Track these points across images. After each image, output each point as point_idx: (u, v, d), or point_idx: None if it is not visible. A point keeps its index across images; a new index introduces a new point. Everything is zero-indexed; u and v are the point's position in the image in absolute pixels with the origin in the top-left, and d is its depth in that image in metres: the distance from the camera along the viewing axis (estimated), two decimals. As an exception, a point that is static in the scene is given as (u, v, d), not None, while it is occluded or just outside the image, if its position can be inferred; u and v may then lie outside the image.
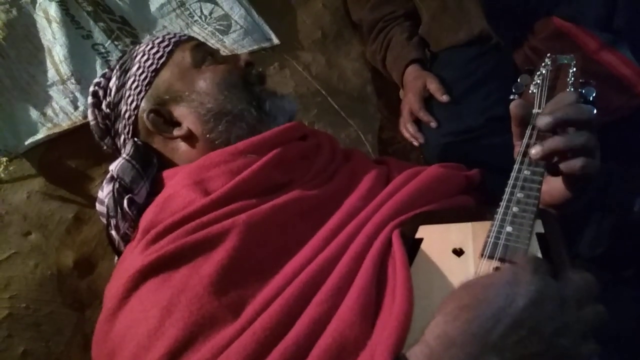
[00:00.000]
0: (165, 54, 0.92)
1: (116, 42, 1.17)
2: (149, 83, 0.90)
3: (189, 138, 0.90)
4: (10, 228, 0.94)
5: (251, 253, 0.69)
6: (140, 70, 0.91)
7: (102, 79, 0.95)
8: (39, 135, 1.00)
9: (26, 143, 0.99)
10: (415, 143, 1.33)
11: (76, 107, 1.05)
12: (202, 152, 0.87)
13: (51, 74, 1.07)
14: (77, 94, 1.06)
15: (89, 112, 0.94)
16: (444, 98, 1.27)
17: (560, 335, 0.49)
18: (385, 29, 1.45)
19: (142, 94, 0.90)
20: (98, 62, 1.13)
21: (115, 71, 0.94)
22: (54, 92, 1.05)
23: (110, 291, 0.74)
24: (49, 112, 1.03)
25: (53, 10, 1.11)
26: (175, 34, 0.97)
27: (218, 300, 0.64)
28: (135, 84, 0.90)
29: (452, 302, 0.52)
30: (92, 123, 0.94)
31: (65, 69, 1.07)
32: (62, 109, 1.04)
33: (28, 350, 0.89)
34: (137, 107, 0.90)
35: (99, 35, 1.16)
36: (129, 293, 0.68)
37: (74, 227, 0.99)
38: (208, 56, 0.94)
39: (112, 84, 0.92)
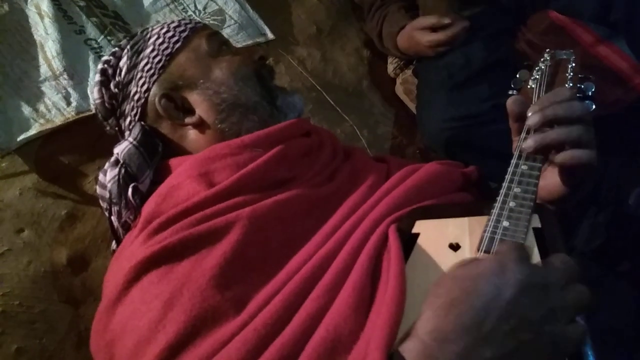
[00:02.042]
0: (182, 39, 0.91)
1: (109, 37, 1.16)
2: (163, 67, 0.89)
3: (200, 126, 0.89)
4: (2, 225, 0.93)
5: (254, 247, 0.69)
6: (155, 53, 0.89)
7: (111, 57, 0.92)
8: (32, 132, 0.99)
9: (18, 139, 0.98)
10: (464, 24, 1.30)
11: (69, 103, 1.04)
12: (211, 141, 0.87)
13: (43, 69, 1.06)
14: (70, 90, 1.06)
15: (95, 90, 0.91)
16: (446, 20, 1.29)
17: (548, 321, 0.49)
18: (382, 7, 1.48)
19: (155, 77, 0.89)
20: (91, 58, 1.12)
21: (126, 51, 0.91)
22: (46, 87, 1.05)
23: (110, 281, 0.74)
24: (42, 108, 1.02)
25: (45, 5, 1.10)
26: (191, 20, 0.96)
27: (221, 294, 0.63)
28: (149, 66, 0.89)
29: (441, 296, 0.52)
30: (97, 102, 0.92)
31: (57, 65, 1.06)
32: (55, 104, 1.03)
33: (22, 347, 0.89)
34: (148, 89, 0.89)
35: (91, 31, 1.15)
36: (130, 284, 0.67)
37: (68, 224, 0.99)
38: (223, 46, 0.94)
39: (123, 63, 0.90)
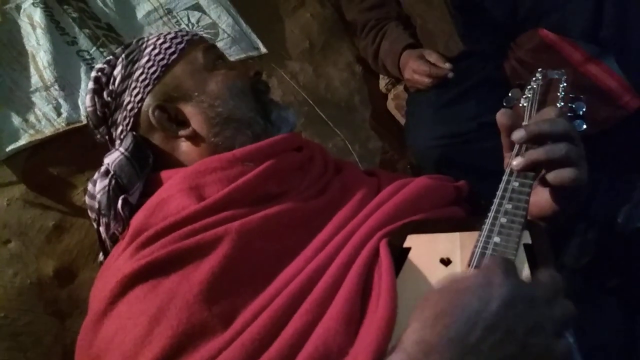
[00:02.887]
0: (178, 51, 0.90)
1: (101, 49, 1.16)
2: (158, 77, 0.88)
3: (193, 139, 0.88)
4: (-11, 236, 0.92)
5: (243, 262, 0.68)
6: (150, 64, 0.89)
7: (105, 65, 0.92)
8: (21, 142, 0.98)
9: (7, 149, 0.97)
10: (450, 74, 1.31)
11: (59, 114, 1.04)
12: (203, 154, 0.86)
13: (34, 80, 1.05)
14: (61, 101, 1.05)
15: (88, 97, 0.91)
16: (447, 66, 1.29)
17: (533, 335, 0.50)
18: (377, 26, 1.49)
19: (150, 87, 0.88)
20: (83, 69, 1.12)
21: (120, 60, 0.91)
22: (37, 98, 1.04)
23: (96, 295, 0.73)
24: (32, 118, 1.02)
25: (38, 16, 1.09)
26: (187, 32, 0.95)
27: (208, 310, 0.63)
28: (143, 76, 0.88)
29: (428, 309, 0.52)
30: (89, 109, 0.91)
31: (49, 75, 1.06)
32: (45, 115, 1.03)
33: (6, 361, 0.87)
34: (141, 100, 0.88)
35: (84, 42, 1.14)
36: (116, 298, 0.66)
37: (55, 236, 0.98)
38: (219, 60, 0.94)
39: (117, 72, 0.89)
